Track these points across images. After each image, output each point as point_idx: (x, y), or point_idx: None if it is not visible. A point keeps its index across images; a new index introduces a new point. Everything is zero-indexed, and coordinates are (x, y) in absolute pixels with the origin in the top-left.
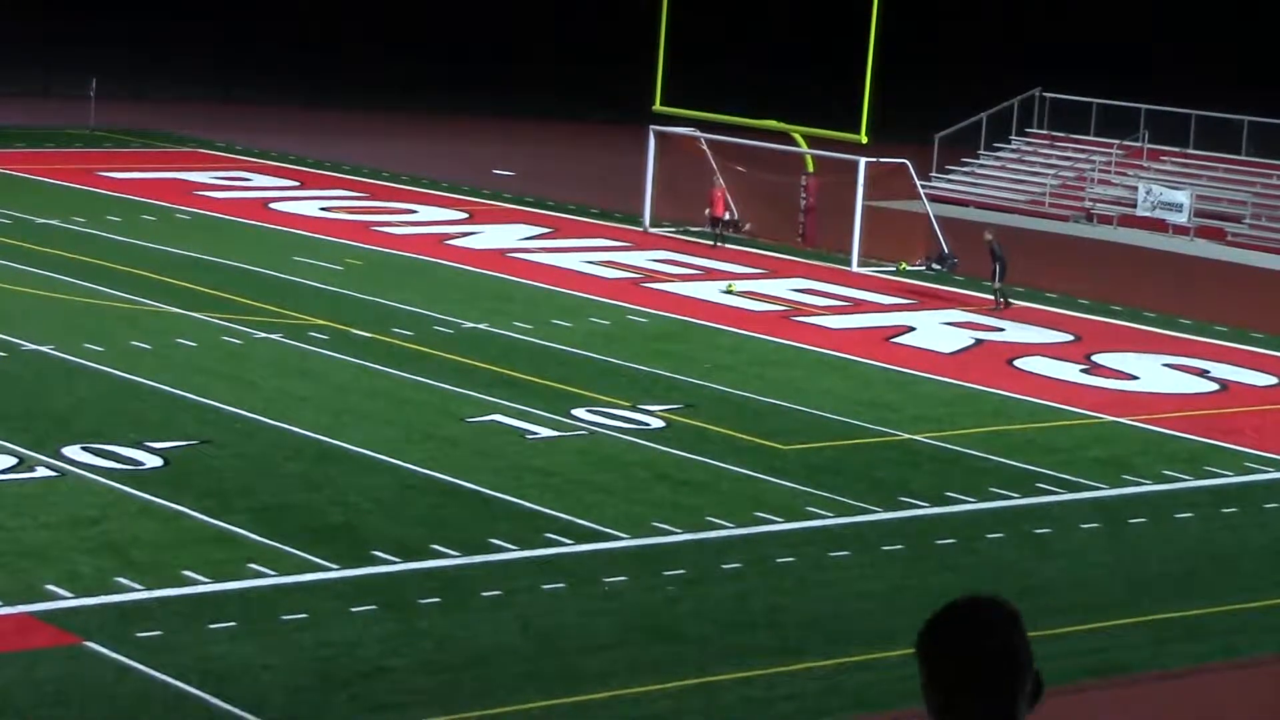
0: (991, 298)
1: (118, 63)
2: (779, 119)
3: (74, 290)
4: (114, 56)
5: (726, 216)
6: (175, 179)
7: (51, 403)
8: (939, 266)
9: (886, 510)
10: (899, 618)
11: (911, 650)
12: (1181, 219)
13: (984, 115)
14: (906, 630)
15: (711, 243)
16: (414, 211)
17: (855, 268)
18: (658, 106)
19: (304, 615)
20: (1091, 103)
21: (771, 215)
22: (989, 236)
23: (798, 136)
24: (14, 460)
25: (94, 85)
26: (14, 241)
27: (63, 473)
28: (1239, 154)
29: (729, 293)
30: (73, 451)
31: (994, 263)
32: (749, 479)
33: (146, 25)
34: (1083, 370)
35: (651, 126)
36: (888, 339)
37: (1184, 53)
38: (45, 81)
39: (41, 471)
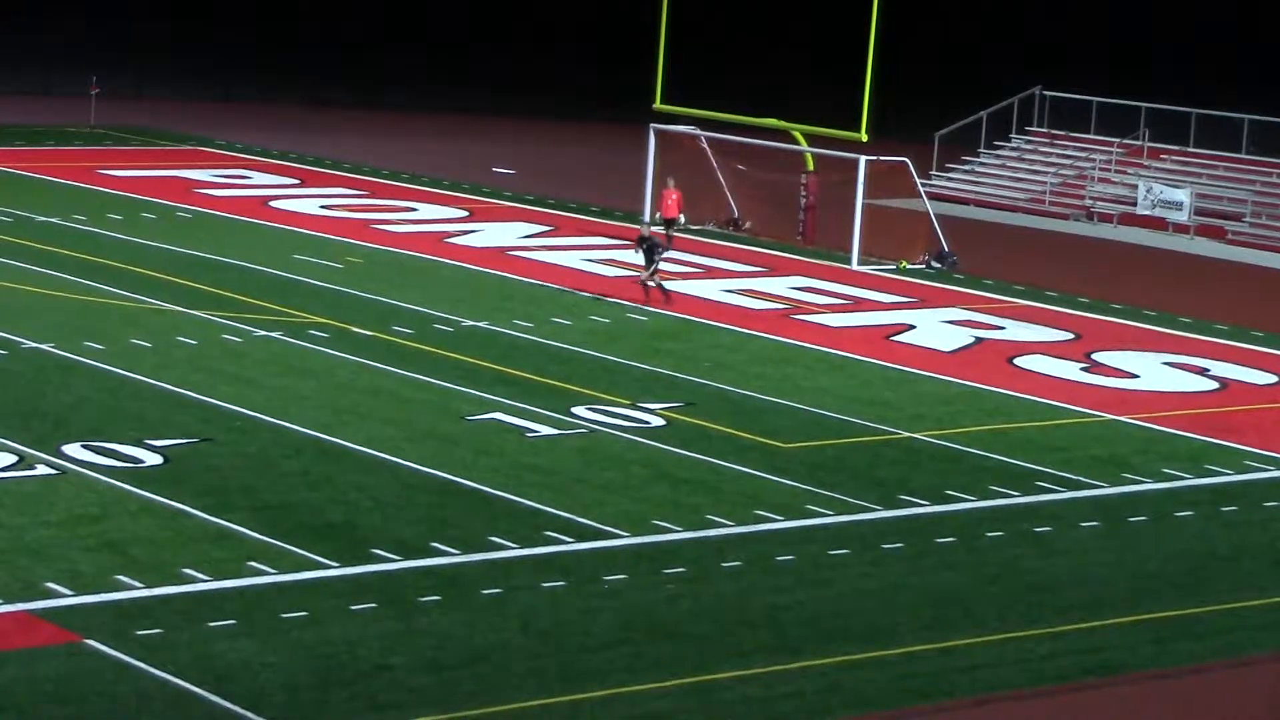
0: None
1: (118, 61)
2: (779, 117)
3: (74, 288)
4: (114, 55)
5: (682, 219)
6: (175, 177)
7: (52, 401)
8: (939, 265)
9: (887, 509)
10: (899, 616)
11: (912, 648)
12: (1182, 217)
13: (984, 114)
14: (906, 629)
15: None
16: (414, 209)
17: (855, 266)
18: (658, 105)
19: (304, 613)
20: (1092, 101)
21: (771, 214)
22: (646, 232)
23: (798, 135)
24: (14, 458)
25: (95, 83)
26: (15, 240)
27: (63, 471)
28: (1239, 152)
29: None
30: (73, 449)
31: (648, 253)
32: (749, 477)
33: (146, 25)
34: (1083, 369)
35: (652, 125)
36: (888, 337)
37: (1184, 52)
38: (45, 80)
39: (42, 470)
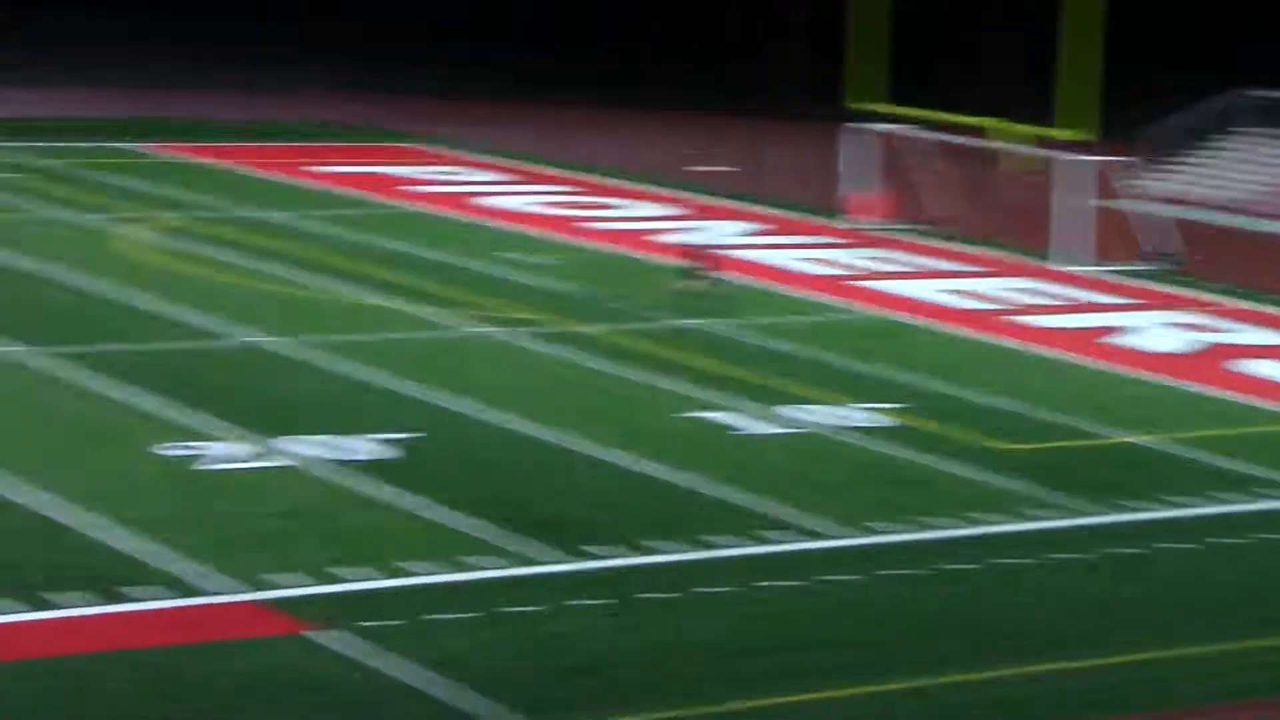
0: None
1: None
2: (992, 116)
3: (291, 283)
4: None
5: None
6: (381, 174)
7: (277, 393)
8: (1162, 265)
9: (1107, 514)
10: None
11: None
12: None
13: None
14: (1121, 638)
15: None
16: (619, 207)
17: (1072, 267)
18: (848, 103)
19: (524, 608)
20: None
21: (985, 213)
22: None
23: (1012, 133)
24: (240, 449)
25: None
26: (231, 233)
27: (287, 463)
28: None
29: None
30: (298, 442)
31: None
32: (965, 479)
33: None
34: None
35: (847, 124)
36: (1104, 338)
37: None
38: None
39: (267, 461)
